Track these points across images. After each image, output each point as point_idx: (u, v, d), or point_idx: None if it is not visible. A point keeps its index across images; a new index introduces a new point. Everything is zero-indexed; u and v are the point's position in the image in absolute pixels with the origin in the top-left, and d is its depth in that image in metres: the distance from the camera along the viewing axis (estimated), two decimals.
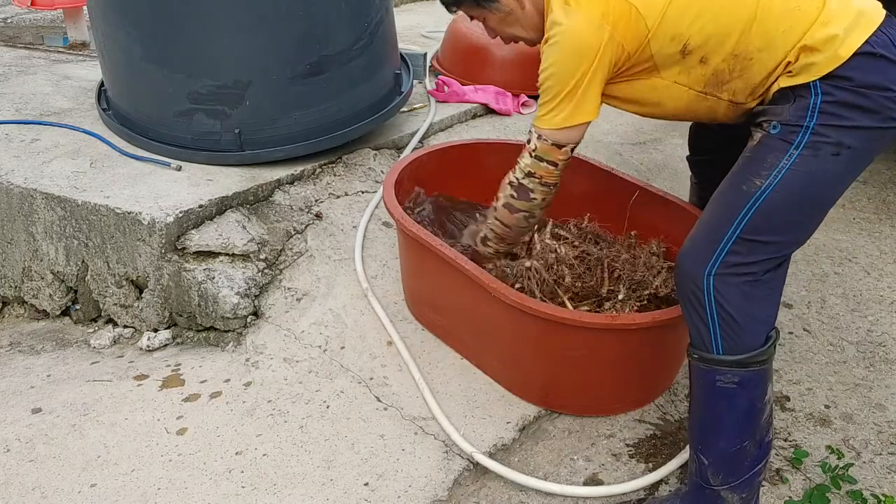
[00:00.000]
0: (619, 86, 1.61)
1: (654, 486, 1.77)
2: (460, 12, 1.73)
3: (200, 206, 2.25)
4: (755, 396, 1.50)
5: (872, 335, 2.32)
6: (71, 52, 3.81)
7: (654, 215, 2.12)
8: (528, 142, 1.67)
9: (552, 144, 1.62)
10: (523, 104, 3.35)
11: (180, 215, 2.20)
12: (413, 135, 2.92)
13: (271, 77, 2.41)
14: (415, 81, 3.19)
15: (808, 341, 2.28)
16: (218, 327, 2.19)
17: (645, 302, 1.87)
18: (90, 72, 3.33)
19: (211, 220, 2.29)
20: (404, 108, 3.04)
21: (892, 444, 1.91)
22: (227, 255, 2.23)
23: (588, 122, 1.60)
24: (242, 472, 1.73)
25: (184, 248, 2.22)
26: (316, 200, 2.53)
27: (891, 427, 1.97)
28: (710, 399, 1.53)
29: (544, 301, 1.83)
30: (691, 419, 1.60)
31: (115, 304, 2.33)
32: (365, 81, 2.62)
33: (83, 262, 2.35)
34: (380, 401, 1.94)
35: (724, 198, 1.49)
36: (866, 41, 1.38)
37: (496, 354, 1.96)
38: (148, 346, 2.23)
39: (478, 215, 2.23)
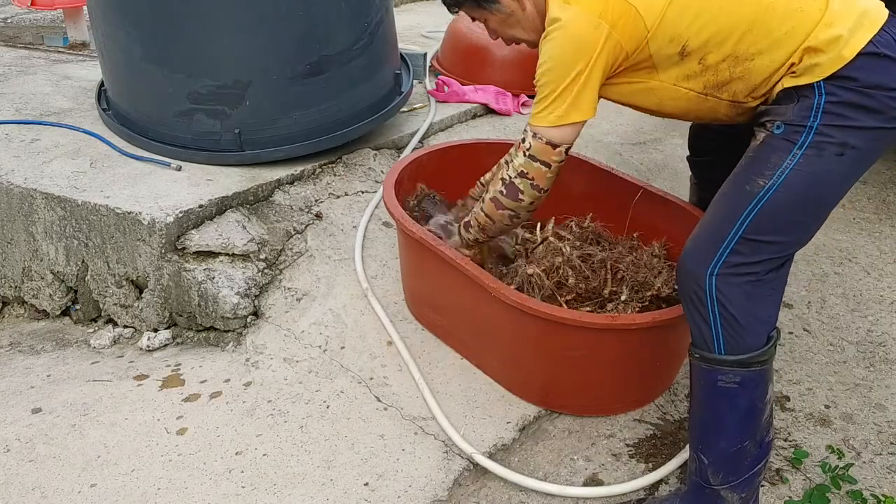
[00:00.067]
0: (618, 87, 1.61)
1: (654, 486, 1.77)
2: (461, 13, 1.73)
3: (200, 206, 2.25)
4: (756, 396, 1.50)
5: (872, 335, 2.32)
6: (71, 52, 3.81)
7: (654, 215, 2.12)
8: (523, 140, 1.66)
9: (546, 143, 1.61)
10: (523, 104, 3.35)
11: (180, 215, 2.20)
12: (413, 135, 2.92)
13: (271, 77, 2.41)
14: (415, 81, 3.19)
15: (808, 341, 2.28)
16: (218, 327, 2.19)
17: (647, 303, 1.87)
18: (90, 72, 3.33)
19: (211, 220, 2.29)
20: (404, 108, 3.04)
21: (892, 444, 1.91)
22: (227, 255, 2.23)
23: (583, 122, 1.59)
24: (242, 472, 1.73)
25: (184, 248, 2.22)
26: (316, 200, 2.53)
27: (891, 427, 1.97)
28: (711, 399, 1.53)
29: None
30: (692, 419, 1.60)
31: (115, 304, 2.33)
32: (365, 81, 2.62)
33: (83, 262, 2.35)
34: (380, 401, 1.94)
35: (727, 198, 1.49)
36: (870, 41, 1.38)
37: (496, 354, 1.96)
38: (148, 346, 2.23)
39: (468, 200, 2.23)
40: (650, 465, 1.81)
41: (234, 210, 2.34)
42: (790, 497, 1.74)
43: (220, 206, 2.31)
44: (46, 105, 2.92)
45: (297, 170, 2.55)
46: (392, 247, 2.42)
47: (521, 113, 3.32)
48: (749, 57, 1.47)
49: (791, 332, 2.30)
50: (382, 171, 2.72)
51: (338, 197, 2.58)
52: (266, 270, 2.28)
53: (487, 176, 2.17)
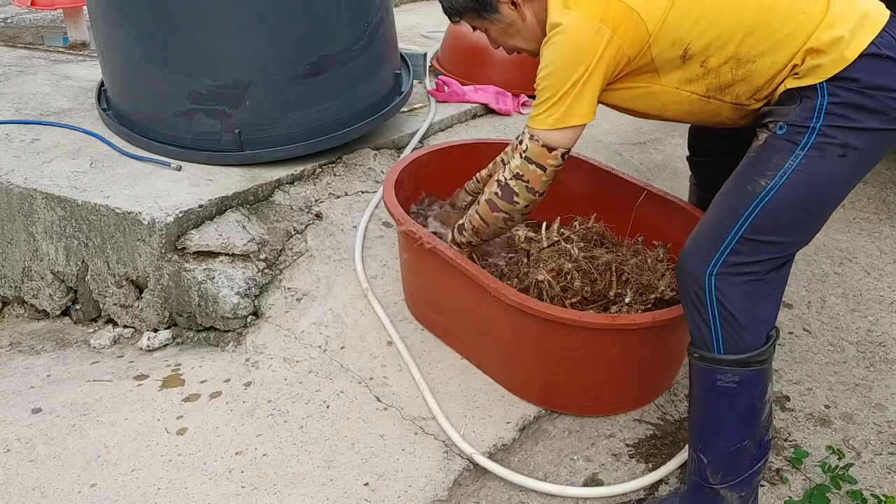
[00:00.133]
0: (620, 93, 1.61)
1: (654, 486, 1.77)
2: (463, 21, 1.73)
3: (200, 206, 2.25)
4: (755, 396, 1.50)
5: (872, 335, 2.32)
6: (71, 52, 3.81)
7: (654, 215, 2.12)
8: (521, 142, 1.67)
9: (543, 146, 1.61)
10: (523, 104, 3.35)
11: (180, 215, 2.20)
12: (413, 135, 2.92)
13: (271, 77, 2.41)
14: (415, 81, 3.19)
15: (808, 341, 2.28)
16: (218, 327, 2.19)
17: (650, 306, 1.87)
18: (90, 72, 3.34)
19: (211, 220, 2.29)
20: (404, 108, 3.04)
21: (892, 444, 1.91)
22: (227, 255, 2.23)
23: (582, 126, 1.59)
24: (242, 472, 1.73)
25: (184, 248, 2.22)
26: (316, 200, 2.53)
27: (891, 427, 1.97)
28: (710, 398, 1.53)
29: None
30: (691, 418, 1.60)
31: (115, 304, 2.33)
32: (365, 81, 2.62)
33: (83, 262, 2.35)
34: (380, 401, 1.94)
35: (728, 198, 1.49)
36: (872, 42, 1.38)
37: (496, 354, 1.96)
38: (148, 346, 2.23)
39: (462, 193, 2.23)
40: (650, 465, 1.81)
41: (234, 210, 2.34)
42: (790, 497, 1.74)
43: (220, 206, 2.31)
44: (46, 105, 2.92)
45: (297, 170, 2.55)
46: (392, 247, 2.42)
47: (521, 113, 3.32)
48: (751, 59, 1.47)
49: (791, 332, 2.30)
50: (382, 171, 2.72)
51: (338, 197, 2.58)
52: (266, 270, 2.28)
53: (483, 172, 2.17)
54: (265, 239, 2.31)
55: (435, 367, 2.05)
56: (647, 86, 1.57)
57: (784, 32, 1.43)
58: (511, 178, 1.70)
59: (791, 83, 1.45)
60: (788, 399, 2.05)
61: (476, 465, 1.76)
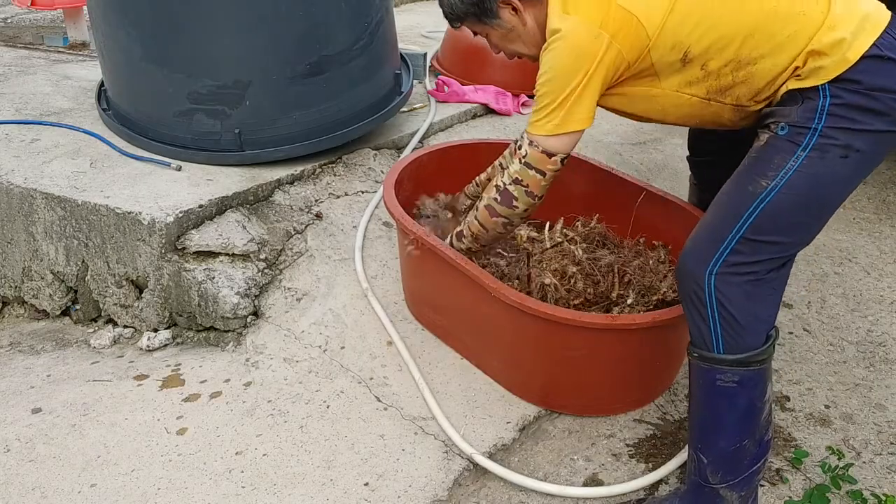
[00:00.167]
0: (620, 97, 1.62)
1: (654, 486, 1.77)
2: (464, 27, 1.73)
3: (200, 206, 2.25)
4: (755, 395, 1.50)
5: (872, 335, 2.32)
6: (71, 52, 3.81)
7: (654, 215, 2.12)
8: (520, 147, 1.67)
9: (542, 152, 1.62)
10: (523, 104, 3.35)
11: (180, 215, 2.20)
12: (413, 135, 2.92)
13: (271, 77, 2.41)
14: (415, 81, 3.19)
15: (808, 341, 2.28)
16: (218, 327, 2.19)
17: (652, 307, 1.87)
18: (90, 72, 3.34)
19: (211, 220, 2.29)
20: (404, 108, 3.04)
21: (892, 444, 1.91)
22: (227, 255, 2.23)
23: (581, 131, 1.60)
24: (242, 472, 1.73)
25: (184, 248, 2.22)
26: (316, 200, 2.53)
27: (891, 427, 1.97)
28: (709, 398, 1.53)
29: None
30: (691, 418, 1.60)
31: (115, 304, 2.33)
32: (365, 81, 2.62)
33: (83, 262, 2.35)
34: (380, 401, 1.94)
35: (729, 198, 1.48)
36: (874, 44, 1.38)
37: (496, 354, 1.96)
38: (148, 346, 2.23)
39: (462, 196, 2.23)
40: (650, 465, 1.81)
41: (234, 210, 2.34)
42: (790, 497, 1.74)
43: (220, 206, 2.31)
44: (46, 105, 2.92)
45: (297, 170, 2.55)
46: (392, 247, 2.42)
47: (521, 113, 3.32)
48: (751, 61, 1.47)
49: (791, 332, 2.30)
50: (382, 171, 2.72)
51: (338, 197, 2.58)
52: (266, 270, 2.28)
53: (482, 176, 2.17)
54: (265, 239, 2.31)
55: (435, 367, 2.05)
56: (648, 89, 1.57)
57: (785, 35, 1.43)
58: (510, 183, 1.70)
59: (793, 84, 1.44)
60: (788, 399, 2.05)
61: (476, 465, 1.76)
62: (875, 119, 1.39)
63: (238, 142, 2.46)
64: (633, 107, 1.64)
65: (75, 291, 2.43)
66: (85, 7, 3.73)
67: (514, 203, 1.72)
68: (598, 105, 1.59)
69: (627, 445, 1.87)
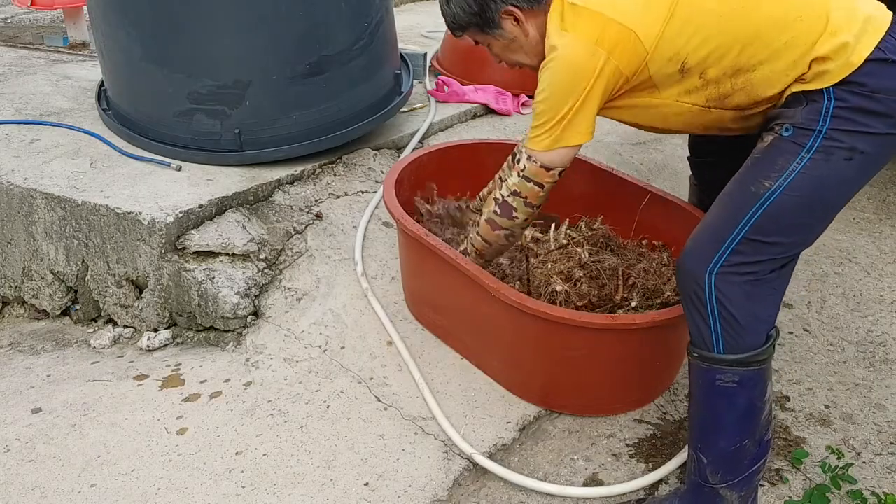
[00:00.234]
0: (620, 110, 1.62)
1: (654, 486, 1.77)
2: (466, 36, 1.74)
3: (200, 206, 2.25)
4: (755, 395, 1.50)
5: (872, 335, 2.32)
6: (71, 52, 3.81)
7: (654, 216, 2.12)
8: (518, 161, 1.69)
9: (541, 166, 1.64)
10: (523, 104, 3.35)
11: (180, 215, 2.20)
12: (413, 135, 2.92)
13: (271, 77, 2.41)
14: (415, 81, 3.19)
15: (808, 341, 2.28)
16: (218, 327, 2.19)
17: (656, 310, 1.86)
18: (90, 72, 3.34)
19: (211, 220, 2.29)
20: (404, 108, 3.04)
21: (892, 444, 1.91)
22: (227, 255, 2.23)
23: (579, 145, 1.61)
24: (242, 472, 1.73)
25: (184, 248, 2.22)
26: (316, 200, 2.53)
27: (891, 427, 1.97)
28: (709, 398, 1.53)
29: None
30: (690, 418, 1.60)
31: (115, 304, 2.33)
32: (365, 81, 2.62)
33: (83, 262, 2.35)
34: (380, 401, 1.94)
35: (731, 198, 1.48)
36: (877, 47, 1.38)
37: (496, 354, 1.96)
38: (148, 346, 2.23)
39: (469, 214, 2.23)
40: (650, 465, 1.81)
41: (234, 210, 2.34)
42: (790, 497, 1.74)
43: (220, 206, 2.31)
44: (46, 105, 2.92)
45: (297, 170, 2.55)
46: (392, 247, 2.42)
47: (521, 113, 3.32)
48: (750, 68, 1.46)
49: (791, 332, 2.30)
50: (382, 171, 2.72)
51: (338, 197, 2.58)
52: (266, 270, 2.28)
53: (485, 191, 2.18)
54: (265, 239, 2.31)
55: (435, 367, 2.05)
56: (648, 100, 1.58)
57: (782, 41, 1.43)
58: (508, 195, 1.73)
59: (797, 87, 1.44)
60: (788, 399, 2.05)
61: (476, 465, 1.76)
62: (879, 121, 1.38)
63: (238, 142, 2.46)
64: (634, 117, 1.65)
65: (75, 291, 2.43)
66: (85, 7, 3.73)
67: (514, 214, 1.75)
68: (599, 116, 1.60)
69: (627, 445, 1.87)
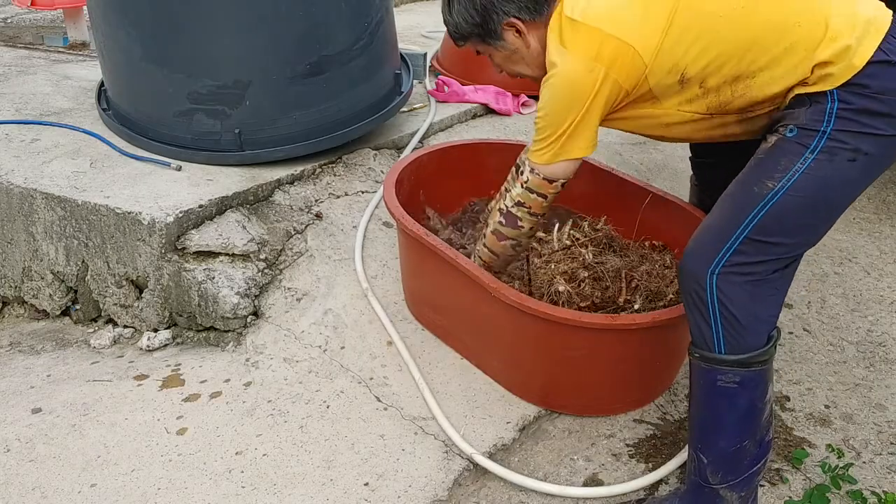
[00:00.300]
0: (621, 121, 1.63)
1: (654, 486, 1.77)
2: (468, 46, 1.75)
3: (200, 206, 2.25)
4: (756, 396, 1.50)
5: (872, 335, 2.32)
6: (71, 52, 3.81)
7: (654, 216, 2.12)
8: (521, 173, 1.71)
9: (544, 178, 1.66)
10: (523, 104, 3.35)
11: (180, 215, 2.20)
12: (413, 135, 2.92)
13: (271, 77, 2.41)
14: (415, 81, 3.19)
15: (808, 341, 2.28)
16: (218, 327, 2.19)
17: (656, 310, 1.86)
18: (90, 72, 3.33)
19: (211, 220, 2.29)
20: (404, 108, 3.04)
21: (892, 444, 1.91)
22: (227, 255, 2.23)
23: (581, 158, 1.63)
24: (242, 472, 1.73)
25: (184, 248, 2.22)
26: (316, 200, 2.53)
27: (891, 427, 1.97)
28: (710, 398, 1.53)
29: None
30: (691, 418, 1.60)
31: (115, 304, 2.33)
32: (365, 81, 2.62)
33: (83, 262, 2.35)
34: (380, 401, 1.94)
35: (734, 198, 1.48)
36: (878, 48, 1.37)
37: (496, 354, 1.96)
38: (148, 346, 2.23)
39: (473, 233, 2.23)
40: (650, 465, 1.81)
41: (234, 210, 2.34)
42: (790, 497, 1.74)
43: (220, 206, 2.31)
44: (46, 105, 2.92)
45: (297, 170, 2.55)
46: (392, 247, 2.42)
47: (521, 113, 3.32)
48: (750, 75, 1.46)
49: (791, 332, 2.30)
50: (382, 171, 2.72)
51: (338, 197, 2.58)
52: (266, 270, 2.28)
53: (492, 204, 2.17)
54: (265, 239, 2.31)
55: (435, 367, 2.05)
56: (649, 111, 1.58)
57: (781, 48, 1.42)
58: (513, 206, 1.76)
59: (800, 90, 1.44)
60: (788, 399, 2.05)
61: (476, 465, 1.76)
62: (884, 122, 1.38)
63: (238, 142, 2.46)
64: (637, 127, 1.65)
65: (75, 291, 2.42)
66: (85, 7, 3.73)
67: (520, 224, 1.77)
68: (601, 127, 1.61)
69: (627, 445, 1.87)
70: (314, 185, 2.58)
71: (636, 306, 1.83)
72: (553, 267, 1.89)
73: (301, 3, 2.37)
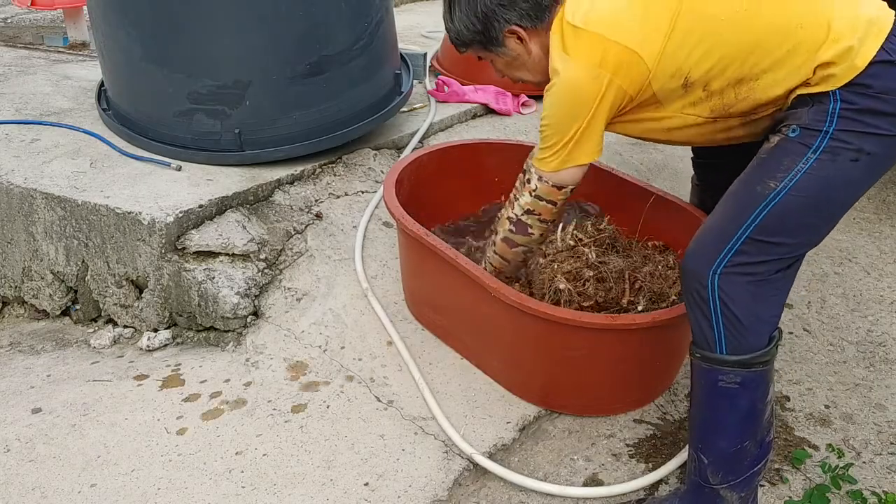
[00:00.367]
0: (625, 125, 1.63)
1: (654, 486, 1.77)
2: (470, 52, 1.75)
3: (200, 206, 2.25)
4: (757, 397, 1.50)
5: (872, 335, 2.32)
6: (71, 52, 3.81)
7: (654, 216, 2.12)
8: (528, 181, 1.71)
9: (552, 186, 1.67)
10: (523, 104, 3.35)
11: (180, 215, 2.20)
12: (413, 135, 2.92)
13: (271, 77, 2.41)
14: (415, 81, 3.19)
15: (808, 341, 2.28)
16: (218, 327, 2.19)
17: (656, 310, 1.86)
18: (90, 72, 3.33)
19: (211, 220, 2.29)
20: (404, 108, 3.04)
21: (892, 444, 1.91)
22: (227, 255, 2.23)
23: (588, 164, 1.63)
24: (242, 472, 1.73)
25: (184, 248, 2.22)
26: (316, 200, 2.53)
27: (891, 427, 1.97)
28: (711, 399, 1.53)
29: None
30: (691, 418, 1.60)
31: (115, 304, 2.33)
32: (365, 81, 2.62)
33: (83, 262, 2.35)
34: (380, 401, 1.94)
35: (736, 198, 1.48)
36: (881, 48, 1.37)
37: (496, 354, 1.96)
38: (148, 346, 2.23)
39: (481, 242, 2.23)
40: (650, 465, 1.81)
41: (234, 210, 2.34)
42: (790, 497, 1.74)
43: (220, 206, 2.31)
44: (46, 105, 2.92)
45: (297, 170, 2.55)
46: (392, 247, 2.42)
47: (521, 113, 3.32)
48: (753, 77, 1.46)
49: (791, 332, 2.30)
50: (382, 171, 2.72)
51: (338, 197, 2.58)
52: (266, 270, 2.28)
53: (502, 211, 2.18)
54: (265, 239, 2.31)
55: (435, 367, 2.05)
56: (652, 114, 1.58)
57: (784, 50, 1.42)
58: (522, 214, 1.76)
59: (803, 90, 1.44)
60: (788, 399, 2.05)
61: (476, 465, 1.76)
62: (886, 122, 1.38)
63: (238, 142, 2.46)
64: (640, 132, 1.65)
65: (75, 291, 2.42)
66: (85, 7, 3.73)
67: (530, 231, 1.78)
68: (605, 131, 1.61)
69: (627, 445, 1.87)
70: (314, 185, 2.58)
71: (639, 308, 1.83)
72: (556, 266, 1.89)
73: (301, 3, 2.37)
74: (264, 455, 1.78)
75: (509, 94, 3.33)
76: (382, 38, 2.68)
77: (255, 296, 2.22)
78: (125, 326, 2.35)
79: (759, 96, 1.48)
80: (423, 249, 1.97)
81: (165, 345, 2.25)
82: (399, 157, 2.78)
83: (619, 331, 1.73)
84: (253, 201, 2.41)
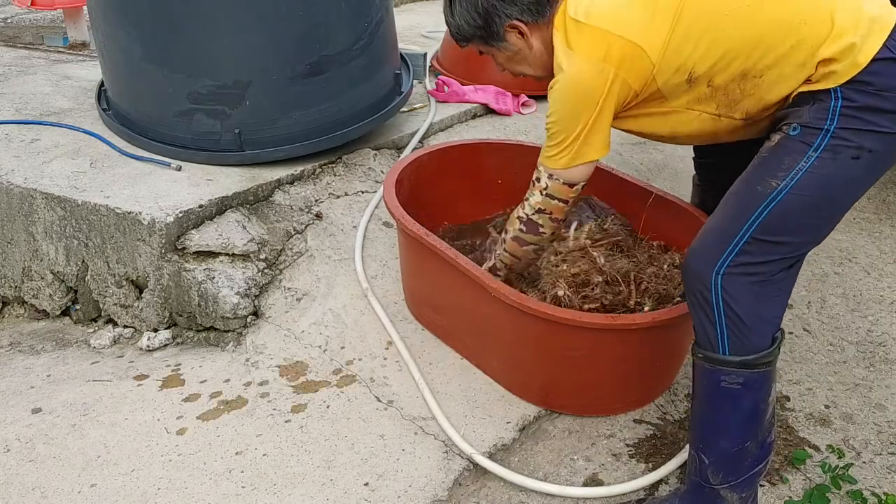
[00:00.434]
0: (629, 121, 1.63)
1: (654, 486, 1.76)
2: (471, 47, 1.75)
3: (200, 206, 2.25)
4: (759, 398, 1.50)
5: (872, 335, 2.32)
6: (71, 52, 3.81)
7: (654, 216, 2.12)
8: (538, 180, 1.70)
9: (563, 183, 1.66)
10: (523, 104, 3.35)
11: (180, 215, 2.20)
12: (413, 135, 2.92)
13: (271, 77, 2.41)
14: (415, 81, 3.19)
15: (808, 341, 2.28)
16: (218, 327, 2.19)
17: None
18: (90, 72, 3.33)
19: (211, 220, 2.29)
20: (404, 108, 3.04)
21: (892, 444, 1.91)
22: (227, 255, 2.23)
23: (597, 160, 1.63)
24: (242, 472, 1.73)
25: (184, 248, 2.22)
26: (316, 200, 2.53)
27: (891, 427, 1.97)
28: (713, 399, 1.52)
29: None
30: (693, 418, 1.60)
31: (115, 304, 2.33)
32: (365, 81, 2.62)
33: (83, 262, 2.35)
34: (380, 401, 1.94)
35: (738, 197, 1.48)
36: (883, 46, 1.37)
37: (496, 354, 1.96)
38: (148, 346, 2.23)
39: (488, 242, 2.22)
40: (650, 465, 1.81)
41: (234, 210, 2.34)
42: (790, 497, 1.74)
43: (220, 206, 2.31)
44: (46, 105, 2.92)
45: (297, 170, 2.55)
46: (392, 247, 2.42)
47: (521, 113, 3.32)
48: (757, 73, 1.46)
49: (791, 332, 2.30)
50: (382, 171, 2.72)
51: (338, 197, 2.58)
52: (266, 270, 2.28)
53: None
54: (265, 239, 2.31)
55: (435, 367, 2.05)
56: (658, 110, 1.58)
57: (787, 45, 1.42)
58: (533, 214, 1.76)
59: (804, 88, 1.44)
60: (788, 399, 2.05)
61: (476, 465, 1.76)
62: (887, 120, 1.38)
63: (238, 142, 2.46)
64: (643, 127, 1.65)
65: (75, 291, 2.42)
66: (85, 7, 3.73)
67: (541, 230, 1.78)
68: (611, 127, 1.61)
69: (627, 445, 1.87)
70: (314, 185, 2.58)
71: (646, 309, 1.82)
72: (562, 269, 1.88)
73: (301, 3, 2.37)
74: (264, 455, 1.77)
75: (509, 94, 3.33)
76: (382, 38, 2.68)
77: (255, 296, 2.22)
78: (125, 326, 2.35)
79: (765, 94, 1.48)
80: (423, 249, 1.97)
81: (165, 345, 2.25)
82: (399, 157, 2.78)
83: (619, 331, 1.72)
84: (253, 201, 2.41)
